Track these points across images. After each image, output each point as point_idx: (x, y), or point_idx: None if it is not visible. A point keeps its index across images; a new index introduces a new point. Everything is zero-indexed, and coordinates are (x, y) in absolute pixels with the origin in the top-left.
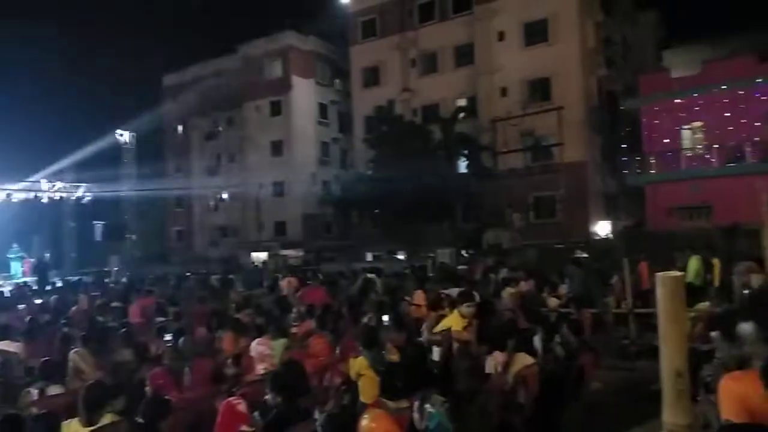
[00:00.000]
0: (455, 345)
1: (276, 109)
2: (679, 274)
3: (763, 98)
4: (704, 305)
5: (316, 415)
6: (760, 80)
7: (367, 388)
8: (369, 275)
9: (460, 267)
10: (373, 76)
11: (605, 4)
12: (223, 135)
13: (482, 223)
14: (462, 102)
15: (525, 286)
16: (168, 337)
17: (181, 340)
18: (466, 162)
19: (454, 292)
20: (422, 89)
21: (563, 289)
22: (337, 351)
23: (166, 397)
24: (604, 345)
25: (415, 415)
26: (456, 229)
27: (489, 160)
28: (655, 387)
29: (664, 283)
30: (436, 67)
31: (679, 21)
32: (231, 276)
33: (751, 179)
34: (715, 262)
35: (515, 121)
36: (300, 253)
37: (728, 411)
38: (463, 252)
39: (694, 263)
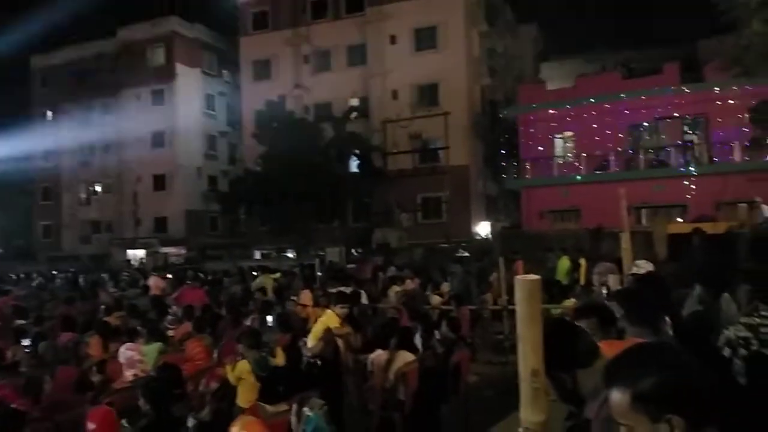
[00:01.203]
0: (339, 342)
1: (158, 98)
2: (536, 277)
3: (626, 112)
4: (570, 302)
5: (190, 422)
6: (623, 95)
7: (245, 392)
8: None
9: (349, 266)
10: (264, 70)
11: (489, 15)
12: (99, 123)
13: (372, 222)
14: (354, 102)
15: (411, 284)
16: (26, 342)
17: (42, 345)
18: (357, 162)
19: (343, 290)
20: (315, 87)
21: (446, 287)
22: (215, 354)
23: (19, 408)
24: (481, 340)
25: (293, 419)
26: (346, 227)
27: (379, 160)
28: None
29: (522, 285)
30: (330, 65)
31: (556, 36)
32: (102, 275)
33: (614, 186)
34: (582, 262)
35: (405, 123)
36: (182, 250)
37: None
38: (353, 251)
39: (563, 263)
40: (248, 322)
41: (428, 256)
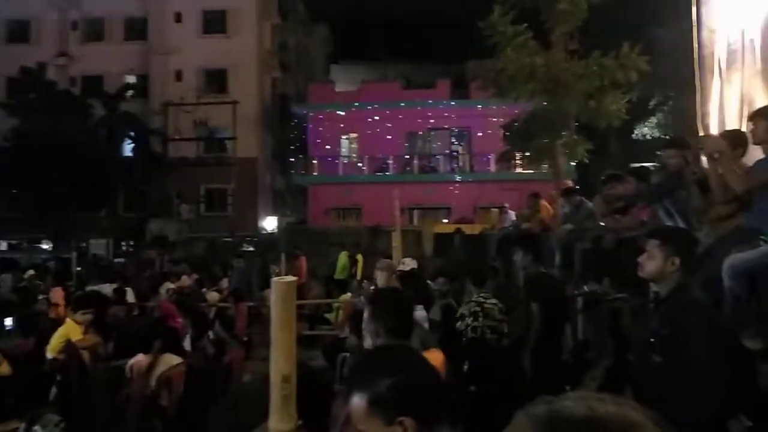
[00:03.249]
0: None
1: None
2: (292, 279)
3: (404, 120)
4: (347, 296)
5: None
6: (403, 104)
7: None
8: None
9: (116, 260)
10: (21, 32)
11: (283, 9)
12: None
13: (147, 212)
14: (131, 79)
15: (187, 280)
16: None
17: None
18: (132, 145)
19: (105, 289)
20: (84, 57)
21: (225, 282)
22: None
23: None
24: (259, 337)
25: None
26: (116, 217)
27: (159, 146)
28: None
29: (277, 288)
30: (103, 35)
31: (346, 39)
32: None
33: (391, 187)
34: (359, 258)
35: (189, 108)
36: None
37: None
38: (123, 244)
39: (342, 259)
40: None
41: (211, 250)
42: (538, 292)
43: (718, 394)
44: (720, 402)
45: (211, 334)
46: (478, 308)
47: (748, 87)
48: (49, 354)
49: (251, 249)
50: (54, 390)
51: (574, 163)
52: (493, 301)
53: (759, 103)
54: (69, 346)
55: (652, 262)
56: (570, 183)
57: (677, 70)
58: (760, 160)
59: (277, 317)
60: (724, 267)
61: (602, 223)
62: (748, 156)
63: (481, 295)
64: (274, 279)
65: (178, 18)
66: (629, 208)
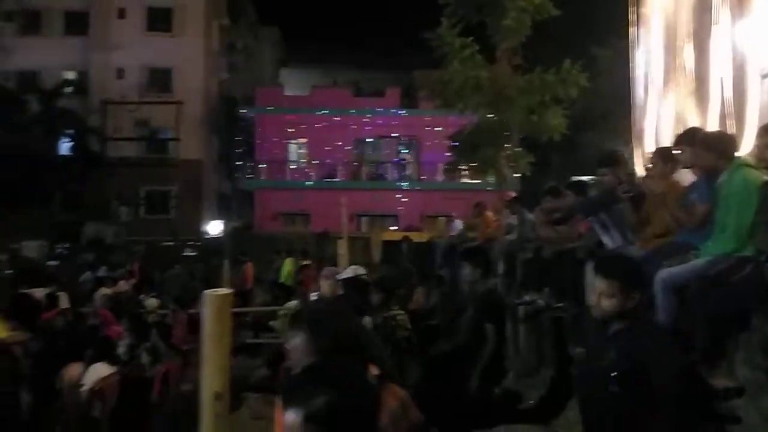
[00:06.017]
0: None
1: None
2: (227, 291)
3: (353, 127)
4: (293, 303)
5: None
6: (353, 111)
7: None
8: None
9: (50, 263)
10: None
11: (231, 10)
12: None
13: (83, 214)
14: (70, 75)
15: (124, 285)
16: None
17: None
18: (70, 143)
19: (38, 293)
20: (19, 51)
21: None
22: None
23: None
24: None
25: None
26: (51, 218)
27: (97, 145)
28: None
29: (210, 301)
30: (40, 28)
31: (296, 44)
32: None
33: (339, 194)
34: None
35: (131, 107)
36: None
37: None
38: (58, 246)
39: (287, 265)
40: None
41: (151, 254)
42: (491, 312)
43: (674, 417)
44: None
45: (147, 343)
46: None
47: (682, 106)
48: None
49: (193, 254)
50: None
51: (518, 175)
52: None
53: (692, 122)
54: None
55: (610, 300)
56: (513, 194)
57: (615, 88)
58: (695, 182)
59: (210, 332)
60: (656, 280)
61: (541, 234)
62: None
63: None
64: (207, 291)
65: (122, 14)
66: (567, 220)
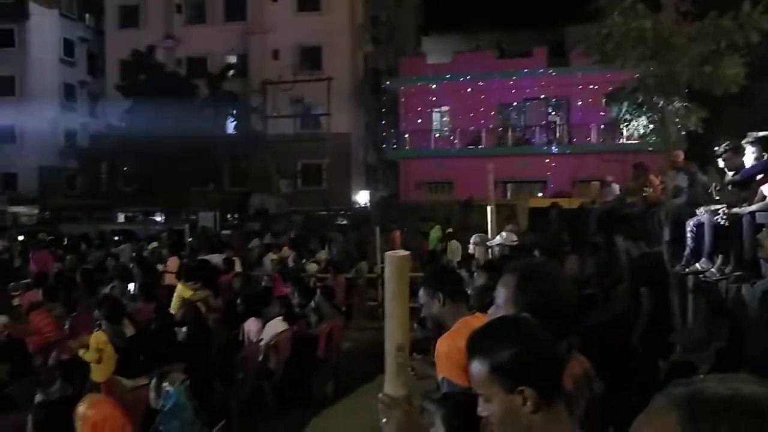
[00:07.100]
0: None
1: (7, 39)
2: (405, 252)
3: (498, 91)
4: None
5: (37, 399)
6: (497, 75)
7: (102, 366)
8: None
9: (224, 232)
10: (131, 17)
11: None
12: None
13: (249, 187)
14: (232, 59)
15: (288, 251)
16: None
17: None
18: (234, 123)
19: (215, 258)
20: (188, 39)
21: (323, 254)
22: (67, 326)
23: None
24: (356, 307)
25: (152, 394)
26: (222, 192)
27: (258, 123)
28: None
29: (391, 261)
30: (205, 17)
31: (437, 10)
32: None
33: (484, 161)
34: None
35: (286, 86)
36: (34, 210)
37: (444, 369)
38: (229, 216)
39: (435, 232)
40: (107, 290)
41: (307, 223)
42: (646, 275)
43: None
44: None
45: (312, 303)
46: None
47: None
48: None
49: (345, 222)
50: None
51: (684, 133)
52: None
53: None
54: (185, 302)
55: None
56: (681, 153)
57: None
58: None
59: (391, 290)
60: None
61: (717, 198)
62: None
63: None
64: (389, 253)
65: None
66: (749, 182)
